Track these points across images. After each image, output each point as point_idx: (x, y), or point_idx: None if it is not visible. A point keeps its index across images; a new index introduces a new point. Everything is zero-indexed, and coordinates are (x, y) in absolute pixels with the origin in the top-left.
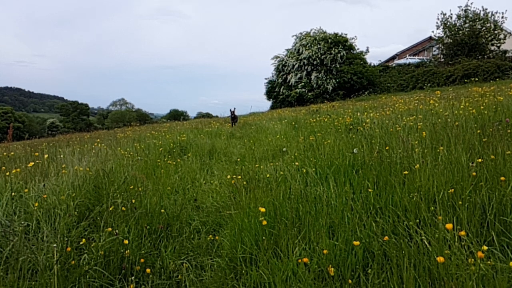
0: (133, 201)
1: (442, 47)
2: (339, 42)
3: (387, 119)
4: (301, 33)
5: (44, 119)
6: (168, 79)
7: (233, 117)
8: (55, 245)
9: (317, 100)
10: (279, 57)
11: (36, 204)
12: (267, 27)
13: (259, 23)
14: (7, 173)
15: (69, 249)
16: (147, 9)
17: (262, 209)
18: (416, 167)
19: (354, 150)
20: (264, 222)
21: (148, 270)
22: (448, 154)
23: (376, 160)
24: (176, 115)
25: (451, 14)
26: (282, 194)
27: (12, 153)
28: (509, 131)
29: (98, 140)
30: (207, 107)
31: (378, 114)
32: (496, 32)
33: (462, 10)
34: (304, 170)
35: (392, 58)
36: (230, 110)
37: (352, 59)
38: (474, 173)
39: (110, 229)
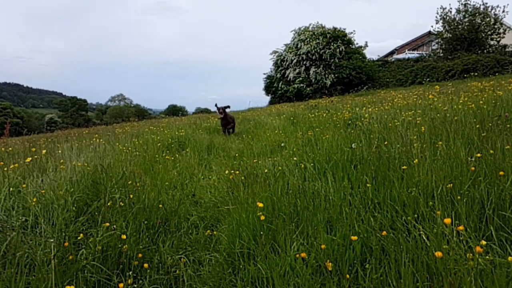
0: (131, 196)
1: (442, 41)
2: (338, 36)
3: (385, 114)
4: (299, 28)
5: (42, 114)
6: (167, 75)
7: (225, 120)
8: (52, 240)
9: (315, 95)
10: (277, 52)
11: (34, 199)
12: (266, 22)
13: (258, 18)
14: (5, 169)
15: (66, 244)
16: (145, 4)
17: (260, 204)
18: (414, 162)
19: (353, 145)
20: (262, 217)
21: (146, 265)
22: (447, 149)
23: (374, 155)
24: (175, 111)
25: (451, 8)
26: (280, 189)
27: (11, 148)
28: (508, 125)
29: (97, 135)
30: (206, 103)
31: (377, 109)
32: (496, 26)
33: (461, 4)
34: (303, 165)
35: (391, 53)
36: (219, 108)
37: (351, 54)
38: (473, 168)
39: (107, 224)
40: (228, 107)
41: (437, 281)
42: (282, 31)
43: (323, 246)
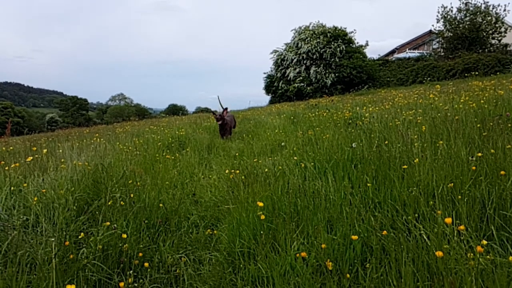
0: (132, 195)
1: (442, 40)
2: (338, 36)
3: (386, 113)
4: (300, 27)
5: (43, 114)
6: (167, 74)
7: (223, 130)
8: (53, 239)
9: (316, 95)
10: (278, 51)
11: (35, 199)
12: (266, 22)
13: (258, 18)
14: (6, 168)
15: (67, 243)
16: (145, 4)
17: (260, 204)
18: (415, 161)
19: (353, 145)
20: (262, 217)
21: (146, 264)
22: (448, 148)
23: (375, 155)
24: (175, 110)
25: (452, 7)
26: (280, 188)
27: (12, 147)
28: (509, 125)
29: (97, 134)
30: (206, 102)
31: (377, 108)
32: (497, 25)
33: (462, 3)
34: (303, 165)
35: (392, 52)
36: (216, 115)
37: (352, 53)
38: (474, 167)
39: (108, 223)
40: (226, 108)
41: (437, 280)
42: (282, 31)
43: (323, 246)
